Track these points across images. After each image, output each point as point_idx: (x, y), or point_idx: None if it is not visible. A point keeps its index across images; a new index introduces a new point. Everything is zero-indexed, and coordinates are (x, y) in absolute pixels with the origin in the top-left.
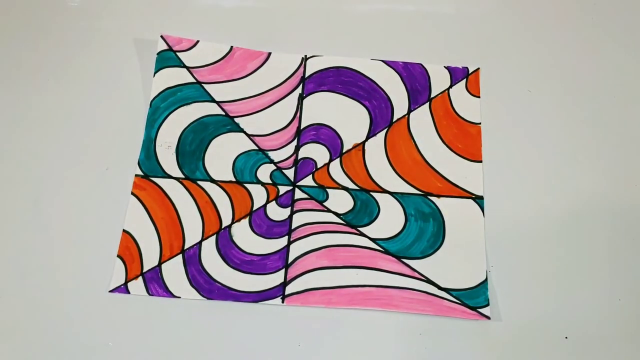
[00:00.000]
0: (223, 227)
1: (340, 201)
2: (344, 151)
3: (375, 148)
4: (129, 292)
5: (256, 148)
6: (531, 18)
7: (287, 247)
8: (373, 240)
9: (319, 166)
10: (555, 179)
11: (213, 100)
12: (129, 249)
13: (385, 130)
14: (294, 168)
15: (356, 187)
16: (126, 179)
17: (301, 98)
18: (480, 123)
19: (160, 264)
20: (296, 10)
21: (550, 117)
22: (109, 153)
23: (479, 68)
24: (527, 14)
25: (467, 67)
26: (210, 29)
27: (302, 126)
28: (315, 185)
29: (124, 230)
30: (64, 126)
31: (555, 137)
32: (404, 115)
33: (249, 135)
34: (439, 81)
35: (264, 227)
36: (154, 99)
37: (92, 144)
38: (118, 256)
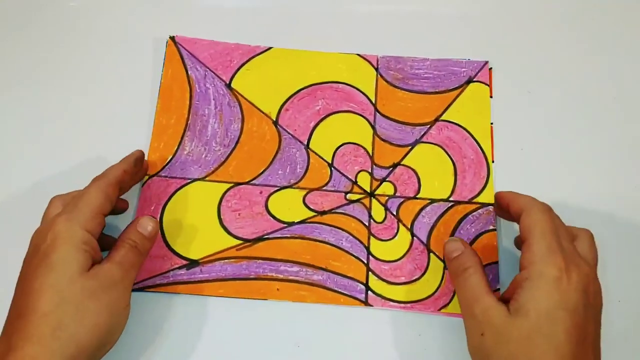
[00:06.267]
0: None
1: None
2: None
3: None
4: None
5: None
6: (531, 18)
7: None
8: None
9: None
10: (556, 179)
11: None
12: None
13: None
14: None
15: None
16: None
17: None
18: (492, 123)
19: None
20: (297, 10)
21: (551, 117)
22: (111, 154)
23: (491, 67)
24: (527, 15)
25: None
26: (211, 28)
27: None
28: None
29: None
30: (65, 127)
31: (557, 137)
32: None
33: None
34: None
35: None
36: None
37: (93, 145)
38: None
